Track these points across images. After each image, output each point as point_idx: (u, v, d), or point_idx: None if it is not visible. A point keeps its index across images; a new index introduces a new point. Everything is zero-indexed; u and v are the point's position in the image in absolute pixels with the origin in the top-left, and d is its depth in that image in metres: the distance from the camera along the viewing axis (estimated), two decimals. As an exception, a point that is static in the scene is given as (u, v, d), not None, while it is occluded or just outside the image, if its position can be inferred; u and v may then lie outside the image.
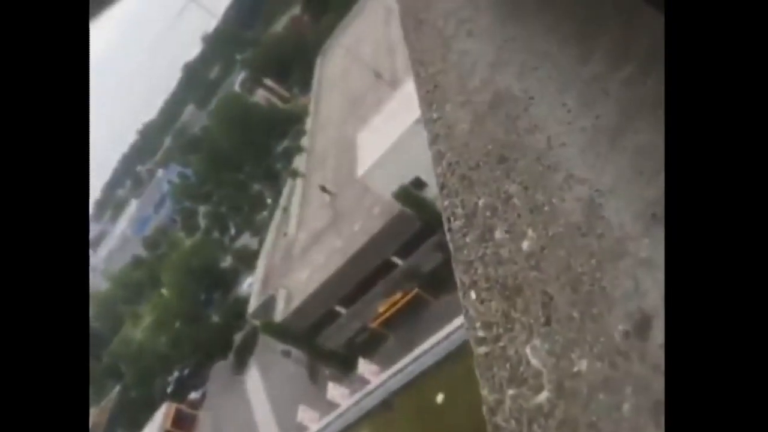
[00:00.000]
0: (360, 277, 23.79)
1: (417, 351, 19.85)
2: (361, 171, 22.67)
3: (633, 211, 0.90)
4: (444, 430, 17.28)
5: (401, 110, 19.78)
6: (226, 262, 40.00)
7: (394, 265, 23.17)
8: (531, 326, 0.90)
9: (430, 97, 1.73)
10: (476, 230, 1.13)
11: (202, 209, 47.99)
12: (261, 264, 32.70)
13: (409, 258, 22.57)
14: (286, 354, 26.47)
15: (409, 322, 22.07)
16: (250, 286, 32.98)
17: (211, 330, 33.62)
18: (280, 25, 60.33)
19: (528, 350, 0.91)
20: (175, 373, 36.86)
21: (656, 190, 0.87)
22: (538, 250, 0.98)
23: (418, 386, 19.77)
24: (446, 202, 1.27)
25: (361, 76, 32.49)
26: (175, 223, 57.13)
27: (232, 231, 44.51)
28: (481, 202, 1.17)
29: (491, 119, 1.33)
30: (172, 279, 36.67)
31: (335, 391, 22.41)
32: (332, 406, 22.35)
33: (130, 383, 36.85)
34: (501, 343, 0.94)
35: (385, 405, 21.19)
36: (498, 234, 1.08)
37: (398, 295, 22.81)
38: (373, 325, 23.47)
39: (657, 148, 0.87)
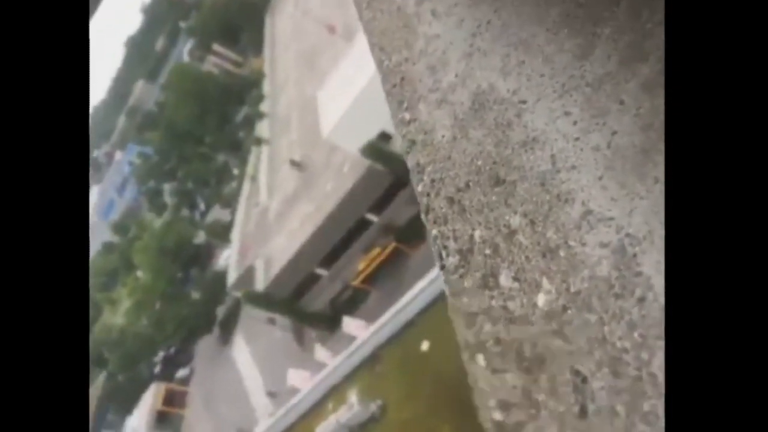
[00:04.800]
0: (337, 238, 23.79)
1: (399, 303, 20.04)
2: (325, 130, 22.24)
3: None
4: (430, 375, 17.69)
5: (359, 64, 19.18)
6: (200, 237, 39.38)
7: (370, 222, 23.15)
8: (562, 417, 0.72)
9: (398, 92, 1.50)
10: (476, 272, 0.94)
11: (167, 187, 46.72)
12: (236, 236, 32.40)
13: (384, 213, 22.54)
14: (271, 321, 26.64)
15: (390, 275, 22.31)
16: (228, 258, 32.66)
17: (192, 306, 33.42)
18: (221, -15, 57.56)
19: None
20: (161, 354, 36.82)
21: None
22: (559, 310, 0.80)
23: (403, 337, 20.10)
24: (434, 231, 1.08)
25: (313, 31, 31.41)
26: (141, 204, 55.71)
27: (202, 206, 43.62)
28: (477, 235, 0.97)
29: (476, 126, 1.12)
30: (145, 261, 36.04)
31: (322, 352, 22.74)
32: (321, 366, 22.68)
33: (115, 369, 36.64)
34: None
35: (373, 359, 21.55)
36: (504, 280, 0.89)
37: (377, 251, 22.89)
38: (355, 283, 23.60)
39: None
